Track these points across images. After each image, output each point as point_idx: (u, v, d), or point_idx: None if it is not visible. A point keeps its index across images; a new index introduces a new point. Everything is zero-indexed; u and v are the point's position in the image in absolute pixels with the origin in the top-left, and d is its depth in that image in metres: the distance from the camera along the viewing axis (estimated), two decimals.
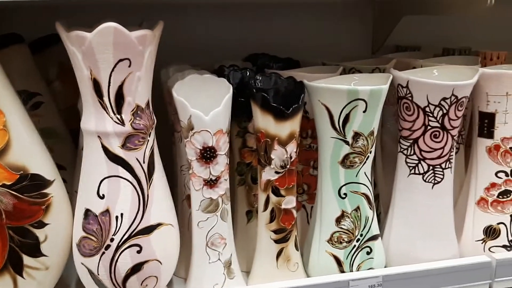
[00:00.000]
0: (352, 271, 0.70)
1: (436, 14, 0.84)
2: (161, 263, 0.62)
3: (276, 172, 0.66)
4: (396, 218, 0.74)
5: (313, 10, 1.06)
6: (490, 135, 0.74)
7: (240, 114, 0.71)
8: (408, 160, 0.72)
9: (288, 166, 0.66)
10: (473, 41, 1.02)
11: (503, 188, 0.74)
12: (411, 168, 0.72)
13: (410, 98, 0.68)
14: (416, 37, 1.07)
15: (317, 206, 0.72)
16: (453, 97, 0.67)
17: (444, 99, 0.67)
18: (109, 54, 0.56)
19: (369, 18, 1.08)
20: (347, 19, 1.08)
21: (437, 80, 0.69)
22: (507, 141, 0.73)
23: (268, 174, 0.66)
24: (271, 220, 0.68)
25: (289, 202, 0.68)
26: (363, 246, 0.70)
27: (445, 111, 0.67)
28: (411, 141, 0.71)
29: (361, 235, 0.70)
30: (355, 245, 0.70)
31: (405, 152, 0.72)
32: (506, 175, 0.74)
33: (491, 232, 0.75)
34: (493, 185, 0.74)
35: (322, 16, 1.06)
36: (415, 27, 1.03)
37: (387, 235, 0.75)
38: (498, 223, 0.75)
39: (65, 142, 0.80)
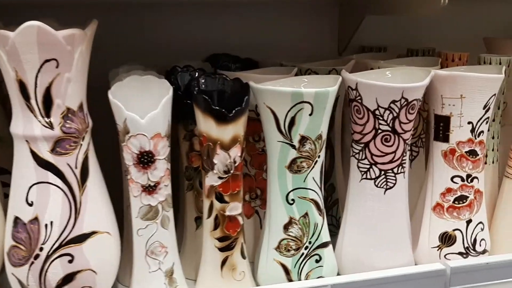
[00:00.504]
0: (300, 280, 0.68)
1: (392, 14, 0.82)
2: (96, 273, 0.60)
3: (220, 178, 0.63)
4: (348, 225, 0.72)
5: (280, 9, 1.03)
6: (446, 139, 0.71)
7: (187, 116, 0.68)
8: (360, 164, 0.69)
9: (232, 171, 0.63)
10: (440, 41, 1.01)
11: (459, 194, 0.72)
12: (362, 172, 0.69)
13: (360, 101, 0.66)
14: (383, 37, 1.05)
15: (266, 212, 0.69)
16: (403, 100, 0.64)
17: (393, 102, 0.64)
18: (34, 55, 0.53)
19: (335, 18, 1.06)
20: (314, 19, 1.05)
21: (390, 82, 0.66)
22: (462, 145, 0.71)
23: (211, 180, 0.64)
24: (215, 228, 0.65)
25: (234, 208, 0.65)
26: (311, 254, 0.68)
27: (395, 114, 0.65)
28: (362, 145, 0.68)
29: (310, 242, 0.68)
30: (303, 253, 0.68)
31: (357, 156, 0.69)
32: (462, 180, 0.72)
33: (446, 239, 0.73)
34: (449, 190, 0.72)
35: (289, 15, 1.04)
36: (379, 27, 1.01)
37: (340, 242, 0.73)
38: (454, 230, 0.73)
39: (9, 145, 0.77)
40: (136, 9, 0.93)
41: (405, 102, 0.65)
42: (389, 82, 0.67)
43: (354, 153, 0.70)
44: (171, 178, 0.64)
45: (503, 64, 0.76)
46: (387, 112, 0.65)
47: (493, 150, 0.80)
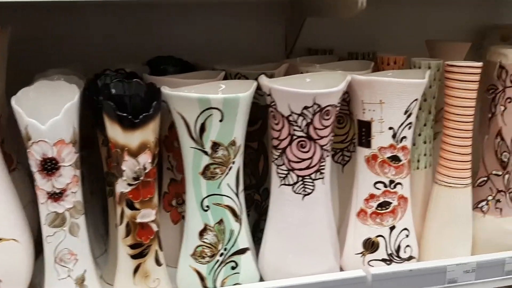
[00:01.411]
0: (215, 287, 0.67)
1: (320, 16, 0.81)
2: (0, 281, 0.59)
3: (129, 184, 0.63)
4: (269, 231, 0.71)
5: (231, 12, 1.03)
6: (368, 144, 0.71)
7: (104, 121, 0.67)
8: (278, 170, 0.68)
9: (142, 178, 0.63)
10: (390, 45, 1.00)
11: (381, 200, 0.71)
12: (281, 178, 0.68)
13: (275, 107, 0.65)
14: (335, 39, 1.04)
15: (185, 219, 0.69)
16: (315, 106, 0.63)
17: (306, 108, 0.63)
18: None
19: (283, 20, 1.05)
20: (263, 21, 1.05)
21: (310, 87, 0.66)
22: (384, 151, 0.70)
23: (121, 186, 0.63)
24: (127, 235, 0.64)
25: (146, 215, 0.64)
26: (227, 261, 0.67)
27: (309, 121, 0.64)
28: (280, 151, 0.67)
29: (225, 249, 0.67)
30: (218, 260, 0.67)
31: (276, 162, 0.69)
32: (385, 186, 0.71)
33: (370, 245, 0.72)
34: (372, 196, 0.72)
35: (241, 17, 1.03)
36: (320, 29, 1.00)
37: (263, 249, 0.72)
38: (377, 236, 0.72)
39: None
40: (84, 10, 0.93)
41: (318, 108, 0.64)
42: (310, 87, 0.66)
43: (274, 159, 0.69)
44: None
45: (432, 69, 0.75)
46: (301, 118, 0.64)
47: (425, 155, 0.79)
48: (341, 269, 0.75)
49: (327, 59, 0.92)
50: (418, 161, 0.79)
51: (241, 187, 0.68)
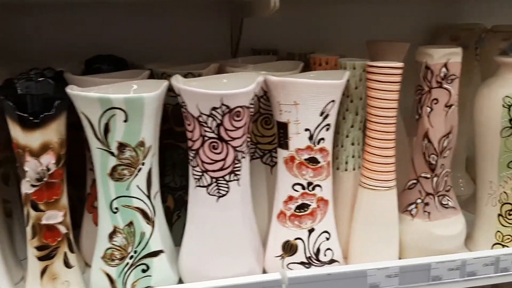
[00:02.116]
0: None
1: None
2: None
3: (32, 185, 0.62)
4: (187, 233, 0.70)
5: (179, 11, 1.02)
6: (286, 146, 0.69)
7: None
8: (193, 171, 0.67)
9: (46, 179, 0.62)
10: (336, 45, 0.99)
11: (300, 202, 0.70)
12: (196, 180, 0.67)
13: (185, 108, 0.64)
14: (279, 39, 1.03)
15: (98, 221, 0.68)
16: (224, 107, 0.62)
17: (214, 108, 0.62)
18: None
19: (227, 20, 1.04)
20: (209, 20, 1.04)
21: (227, 88, 0.64)
22: (301, 152, 0.69)
23: (25, 187, 0.62)
24: (33, 236, 0.64)
25: (52, 217, 0.63)
26: (137, 264, 0.66)
27: (219, 122, 0.63)
28: (194, 152, 0.66)
29: (136, 252, 0.66)
30: (128, 263, 0.66)
31: (191, 163, 0.68)
32: (303, 187, 0.70)
33: (289, 248, 0.71)
34: (290, 198, 0.70)
35: (186, 17, 1.02)
36: (266, 29, 0.99)
37: (181, 251, 0.71)
38: (296, 238, 0.71)
39: None
40: (31, 9, 0.92)
41: (227, 109, 0.63)
42: (226, 88, 0.65)
43: (189, 160, 0.68)
44: None
45: (357, 69, 0.74)
46: (210, 119, 0.63)
47: (353, 157, 0.77)
48: (264, 272, 0.74)
49: (266, 59, 0.91)
50: (347, 163, 0.78)
51: (154, 189, 0.67)
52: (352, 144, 0.77)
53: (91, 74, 0.76)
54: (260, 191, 0.80)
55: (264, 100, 0.76)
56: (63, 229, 0.65)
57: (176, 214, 0.82)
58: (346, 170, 0.78)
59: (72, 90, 0.61)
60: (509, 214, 0.78)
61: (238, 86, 0.64)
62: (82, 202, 0.78)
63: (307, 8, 1.04)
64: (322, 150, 0.69)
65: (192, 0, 1.01)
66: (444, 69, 0.72)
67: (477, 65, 0.97)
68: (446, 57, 0.71)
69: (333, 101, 0.68)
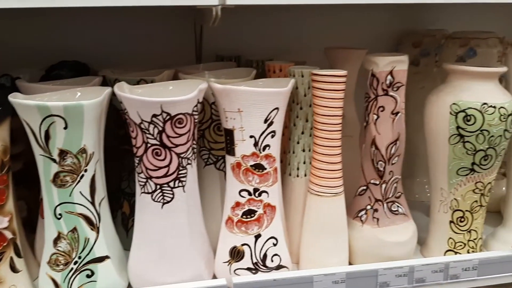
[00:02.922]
0: None
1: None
2: None
3: None
4: (134, 239, 0.70)
5: (147, 17, 1.03)
6: (232, 153, 0.70)
7: None
8: (139, 178, 0.68)
9: None
10: (299, 51, 1.00)
11: (246, 208, 0.71)
12: (141, 186, 0.68)
13: (128, 114, 0.65)
14: (246, 46, 1.04)
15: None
16: (165, 114, 0.63)
17: (155, 116, 0.63)
18: None
19: (192, 26, 1.05)
20: (175, 27, 1.05)
21: (170, 95, 0.65)
22: (247, 159, 0.70)
23: None
24: None
25: None
26: (82, 269, 0.67)
27: (160, 128, 0.64)
28: (138, 159, 0.67)
29: (80, 257, 0.67)
30: (72, 268, 0.67)
31: (136, 170, 0.68)
32: (249, 194, 0.71)
33: (235, 254, 0.72)
34: (237, 204, 0.71)
35: (154, 23, 1.03)
36: (225, 36, 1.00)
37: (130, 257, 0.71)
38: (243, 244, 0.71)
39: None
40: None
41: (168, 117, 0.63)
42: (171, 95, 0.66)
43: (135, 167, 0.69)
44: None
45: (305, 77, 0.74)
46: (152, 126, 0.64)
47: (304, 163, 0.78)
48: (215, 277, 0.74)
49: (227, 66, 0.92)
50: (298, 169, 0.78)
51: (99, 195, 0.68)
52: (303, 150, 0.78)
53: (50, 80, 0.77)
54: (214, 197, 0.80)
55: (215, 106, 0.76)
56: (8, 235, 0.65)
57: (131, 220, 0.82)
58: (297, 176, 0.79)
59: (13, 98, 0.62)
60: (461, 221, 0.79)
61: (183, 93, 0.65)
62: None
63: (273, 15, 1.05)
64: (268, 156, 0.70)
65: (159, 7, 1.02)
66: (389, 77, 0.72)
67: (437, 71, 0.97)
68: (391, 65, 0.72)
69: (277, 108, 0.69)
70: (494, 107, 0.72)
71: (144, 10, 1.03)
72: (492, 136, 0.72)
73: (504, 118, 0.72)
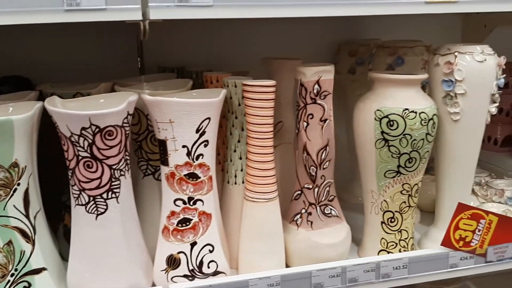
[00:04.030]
0: None
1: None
2: None
3: None
4: (71, 251, 0.71)
5: (91, 30, 1.03)
6: (166, 163, 0.72)
7: None
8: (73, 190, 0.69)
9: None
10: (240, 63, 1.03)
11: (181, 216, 0.73)
12: (75, 198, 0.69)
13: (58, 128, 0.66)
14: (188, 57, 1.06)
15: None
16: (94, 127, 0.65)
17: (84, 128, 0.64)
18: None
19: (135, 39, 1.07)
20: (121, 39, 1.06)
21: (101, 108, 0.67)
22: (180, 168, 0.72)
23: None
24: None
25: None
26: (19, 281, 0.68)
27: (90, 141, 0.65)
28: (71, 171, 0.68)
29: (16, 269, 0.68)
30: (9, 280, 0.67)
31: (70, 182, 0.69)
32: (184, 202, 0.73)
33: (172, 262, 0.73)
34: (173, 213, 0.73)
35: (97, 36, 1.04)
36: (169, 47, 1.02)
37: (68, 268, 0.72)
38: (179, 252, 0.73)
39: None
40: None
41: (97, 129, 0.65)
42: (102, 108, 0.67)
43: (69, 179, 0.70)
44: None
45: (238, 87, 0.77)
46: (82, 138, 0.65)
47: (242, 170, 0.80)
48: (153, 285, 0.76)
49: (167, 77, 0.94)
50: (235, 176, 0.81)
51: (33, 208, 0.69)
52: (240, 158, 0.80)
53: None
54: (153, 207, 0.82)
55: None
56: None
57: None
58: (235, 183, 0.81)
59: None
60: (391, 221, 0.82)
61: (114, 106, 0.67)
62: None
63: (214, 26, 1.08)
64: (201, 165, 0.72)
65: (102, 21, 1.03)
66: (316, 86, 0.76)
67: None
68: (318, 75, 0.75)
69: (208, 118, 0.71)
70: (415, 112, 0.76)
71: (89, 25, 1.05)
72: (415, 139, 0.76)
73: (425, 122, 0.76)
